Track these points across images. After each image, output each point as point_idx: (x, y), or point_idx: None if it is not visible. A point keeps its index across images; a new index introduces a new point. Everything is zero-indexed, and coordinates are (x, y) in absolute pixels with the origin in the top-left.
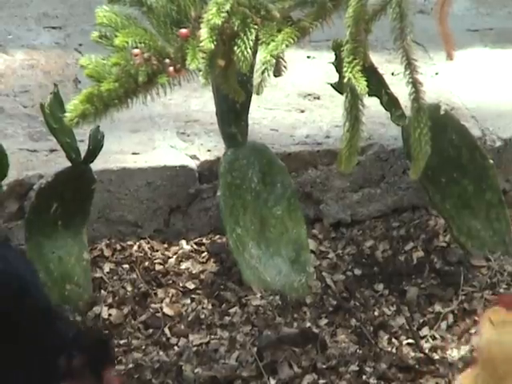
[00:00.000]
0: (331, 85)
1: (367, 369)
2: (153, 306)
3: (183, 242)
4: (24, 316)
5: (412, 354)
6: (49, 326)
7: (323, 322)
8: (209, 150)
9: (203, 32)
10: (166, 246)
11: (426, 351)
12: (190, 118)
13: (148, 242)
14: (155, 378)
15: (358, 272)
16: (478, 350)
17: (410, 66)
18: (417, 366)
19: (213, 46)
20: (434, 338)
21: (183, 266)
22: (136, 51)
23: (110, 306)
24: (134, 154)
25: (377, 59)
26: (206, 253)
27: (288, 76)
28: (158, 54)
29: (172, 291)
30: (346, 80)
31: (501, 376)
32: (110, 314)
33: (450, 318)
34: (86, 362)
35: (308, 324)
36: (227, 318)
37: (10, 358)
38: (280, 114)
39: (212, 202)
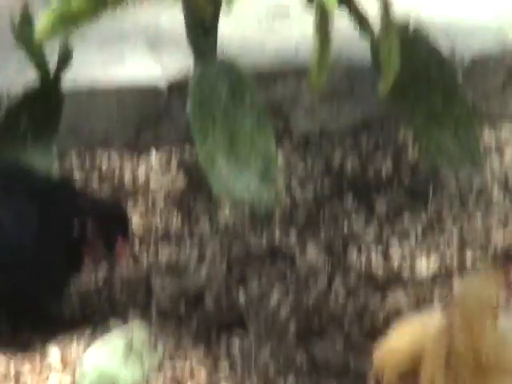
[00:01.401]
0: None
1: (336, 282)
2: None
3: (153, 154)
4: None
5: (381, 267)
6: (62, 195)
7: (292, 235)
8: (178, 67)
9: None
10: (135, 157)
11: (395, 265)
12: (159, 35)
13: (118, 154)
14: (125, 292)
15: (327, 185)
16: (455, 300)
17: None
18: (386, 280)
19: None
20: (402, 252)
21: (153, 178)
22: None
23: None
24: (103, 70)
25: None
26: (175, 166)
27: None
28: None
29: (141, 204)
30: None
31: (471, 324)
32: None
33: (419, 232)
34: (99, 231)
35: (277, 238)
36: (197, 232)
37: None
38: (250, 29)
39: (181, 119)
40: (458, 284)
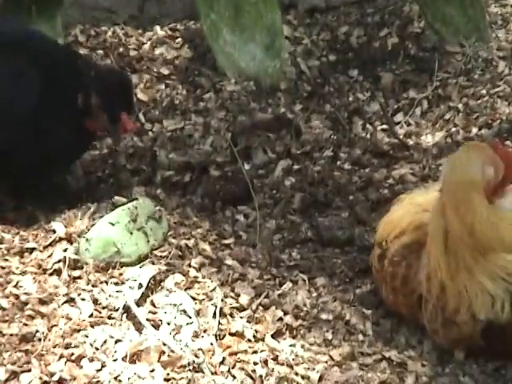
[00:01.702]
0: None
1: (341, 154)
2: None
3: (157, 28)
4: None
5: (386, 139)
6: (67, 63)
7: (298, 107)
8: None
9: None
10: (140, 31)
11: (401, 137)
12: None
13: (122, 28)
14: (130, 163)
15: (332, 58)
16: (443, 176)
17: None
18: (391, 152)
19: None
20: (408, 124)
21: (157, 51)
22: None
23: None
24: None
25: None
26: (180, 39)
27: None
28: None
29: (146, 77)
30: None
31: (458, 201)
32: None
33: (425, 104)
34: (103, 102)
35: (282, 110)
36: (201, 104)
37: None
38: None
39: None
40: (444, 163)
